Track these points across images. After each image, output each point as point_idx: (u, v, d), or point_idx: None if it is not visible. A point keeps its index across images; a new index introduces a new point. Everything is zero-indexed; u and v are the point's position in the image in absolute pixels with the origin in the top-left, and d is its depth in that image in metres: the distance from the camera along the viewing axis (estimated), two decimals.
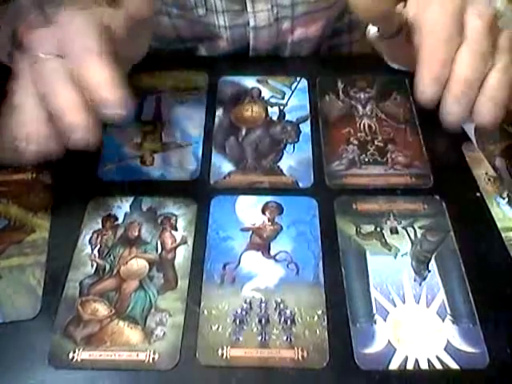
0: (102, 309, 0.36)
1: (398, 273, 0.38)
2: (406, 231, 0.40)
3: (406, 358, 0.33)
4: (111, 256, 0.39)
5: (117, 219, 0.41)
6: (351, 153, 0.46)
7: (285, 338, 0.34)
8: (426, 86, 0.38)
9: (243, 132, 0.48)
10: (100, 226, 0.41)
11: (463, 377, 0.33)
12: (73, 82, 0.34)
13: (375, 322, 0.35)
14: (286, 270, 0.38)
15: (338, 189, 0.43)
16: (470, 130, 0.47)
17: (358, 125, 0.48)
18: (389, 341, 0.34)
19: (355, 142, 0.47)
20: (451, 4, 0.38)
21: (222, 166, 0.45)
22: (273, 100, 0.51)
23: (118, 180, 0.44)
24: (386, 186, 0.43)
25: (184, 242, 0.40)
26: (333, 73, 0.53)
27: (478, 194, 0.43)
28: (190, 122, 0.48)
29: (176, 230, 0.40)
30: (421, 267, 0.38)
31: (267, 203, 0.42)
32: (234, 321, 0.35)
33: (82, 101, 0.34)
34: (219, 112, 0.49)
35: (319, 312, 0.36)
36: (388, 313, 0.36)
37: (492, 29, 0.37)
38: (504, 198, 0.42)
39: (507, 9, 0.42)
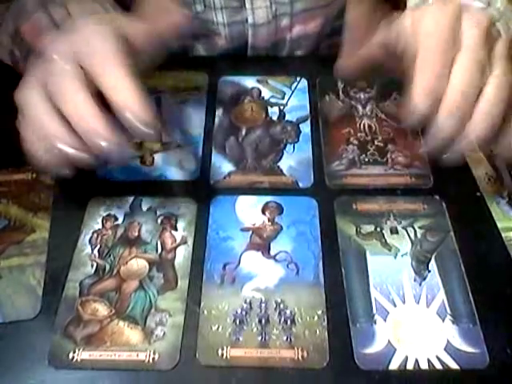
0: (102, 309, 0.36)
1: (398, 273, 0.38)
2: (406, 231, 0.40)
3: (406, 358, 0.33)
4: (111, 256, 0.39)
5: (117, 219, 0.41)
6: (351, 153, 0.46)
7: (285, 338, 0.34)
8: (420, 99, 0.35)
9: (243, 132, 0.48)
10: (100, 226, 0.41)
11: (463, 377, 0.33)
12: (91, 93, 0.34)
13: (375, 322, 0.35)
14: (286, 270, 0.38)
15: (337, 189, 0.43)
16: None
17: (357, 125, 0.48)
18: (389, 341, 0.34)
19: (355, 141, 0.47)
20: (446, 14, 0.37)
21: (222, 166, 0.45)
22: (273, 100, 0.51)
23: (118, 180, 0.44)
24: (386, 185, 0.43)
25: (184, 242, 0.40)
26: (333, 72, 0.53)
27: (478, 194, 0.43)
28: (190, 122, 0.48)
29: (176, 229, 0.40)
30: (421, 267, 0.38)
31: (267, 203, 0.42)
32: (234, 321, 0.35)
33: (103, 114, 0.34)
34: (219, 112, 0.49)
35: (319, 312, 0.36)
36: (388, 313, 0.36)
37: (488, 37, 0.36)
38: (504, 198, 0.42)
39: (507, 9, 0.42)
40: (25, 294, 0.37)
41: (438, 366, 0.33)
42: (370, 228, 0.41)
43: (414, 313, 0.36)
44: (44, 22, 0.42)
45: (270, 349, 0.34)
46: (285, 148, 0.46)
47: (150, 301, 0.36)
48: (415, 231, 0.40)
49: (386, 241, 0.40)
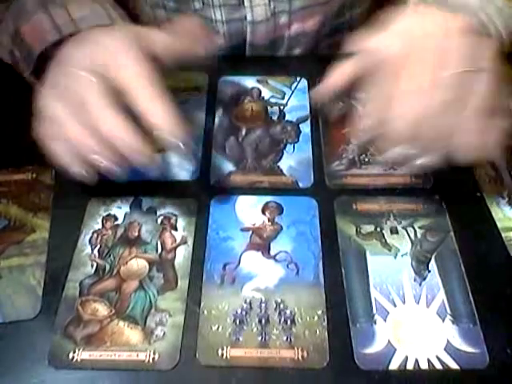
0: (102, 309, 0.36)
1: (398, 273, 0.38)
2: (406, 231, 0.40)
3: (406, 358, 0.33)
4: (111, 256, 0.39)
5: (117, 219, 0.41)
6: (351, 153, 0.46)
7: (285, 338, 0.34)
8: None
9: (243, 132, 0.48)
10: (100, 226, 0.41)
11: (463, 377, 0.33)
12: (118, 106, 0.35)
13: (375, 322, 0.35)
14: (286, 270, 0.38)
15: (337, 189, 0.43)
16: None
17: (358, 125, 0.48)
18: (389, 341, 0.34)
19: (355, 142, 0.46)
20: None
21: (222, 166, 0.45)
22: (273, 100, 0.51)
23: (118, 180, 0.44)
24: (386, 185, 0.43)
25: (184, 242, 0.40)
26: None
27: (478, 194, 0.43)
28: (190, 122, 0.48)
29: (176, 229, 0.40)
30: (421, 267, 0.38)
31: (267, 203, 0.42)
32: (234, 321, 0.35)
33: (131, 126, 0.35)
34: (219, 112, 0.49)
35: (319, 312, 0.36)
36: (388, 313, 0.36)
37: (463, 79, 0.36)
38: (504, 198, 0.42)
39: (505, 5, 0.42)
40: (25, 294, 0.37)
41: (438, 366, 0.33)
42: (370, 228, 0.41)
43: (413, 313, 0.36)
44: (44, 23, 0.42)
45: (269, 349, 0.34)
46: (285, 148, 0.46)
47: (150, 301, 0.36)
48: (415, 231, 0.40)
49: (386, 241, 0.40)
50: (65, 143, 0.37)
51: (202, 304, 0.36)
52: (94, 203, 0.42)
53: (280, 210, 0.42)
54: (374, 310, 0.36)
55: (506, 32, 0.40)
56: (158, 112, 0.35)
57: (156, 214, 0.41)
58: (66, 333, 0.35)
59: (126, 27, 0.41)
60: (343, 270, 0.38)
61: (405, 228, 0.41)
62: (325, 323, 0.35)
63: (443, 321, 0.35)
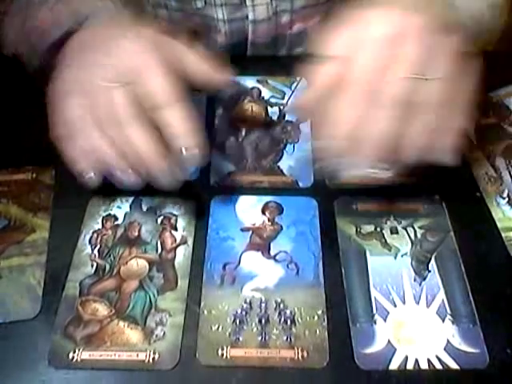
0: (102, 309, 0.36)
1: (398, 273, 0.38)
2: (406, 231, 0.40)
3: (406, 358, 0.33)
4: (111, 256, 0.39)
5: (117, 219, 0.41)
6: None
7: (285, 338, 0.34)
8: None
9: (243, 132, 0.48)
10: (100, 226, 0.41)
11: (463, 377, 0.33)
12: (144, 121, 0.36)
13: (375, 322, 0.35)
14: (286, 270, 0.38)
15: (337, 189, 0.43)
16: (470, 130, 0.47)
17: None
18: (389, 341, 0.34)
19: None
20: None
21: (222, 166, 0.45)
22: (273, 100, 0.51)
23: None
24: (386, 186, 0.43)
25: (184, 242, 0.40)
26: None
27: (478, 194, 0.43)
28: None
29: (176, 229, 0.40)
30: (421, 267, 0.38)
31: (267, 203, 0.42)
32: (234, 321, 0.35)
33: (157, 147, 0.36)
34: (219, 112, 0.49)
35: (319, 312, 0.36)
36: (388, 313, 0.36)
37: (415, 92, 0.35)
38: (504, 198, 0.42)
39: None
40: (25, 294, 0.37)
41: (438, 366, 0.33)
42: (370, 228, 0.41)
43: (413, 313, 0.36)
44: (49, 21, 0.42)
45: (269, 349, 0.34)
46: (285, 148, 0.46)
47: (150, 301, 0.36)
48: (415, 231, 0.40)
49: (386, 241, 0.40)
50: (83, 148, 0.37)
51: (202, 304, 0.36)
52: (94, 203, 0.42)
53: (280, 210, 0.42)
54: (374, 310, 0.36)
55: (476, 27, 0.40)
56: (184, 132, 0.36)
57: (156, 214, 0.41)
58: (66, 333, 0.35)
59: (141, 28, 0.40)
60: (343, 270, 0.38)
61: (405, 228, 0.41)
62: (325, 323, 0.35)
63: (443, 321, 0.35)
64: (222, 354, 0.34)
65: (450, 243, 0.40)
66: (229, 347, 0.34)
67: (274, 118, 0.49)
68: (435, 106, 0.35)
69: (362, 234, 0.40)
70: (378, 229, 0.40)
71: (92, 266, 0.38)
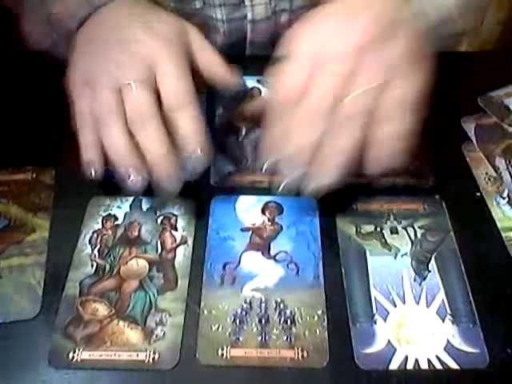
0: (102, 309, 0.36)
1: (398, 273, 0.38)
2: (406, 231, 0.40)
3: (406, 358, 0.33)
4: (111, 256, 0.39)
5: (117, 219, 0.41)
6: None
7: (285, 338, 0.34)
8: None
9: (243, 132, 0.48)
10: (100, 226, 0.41)
11: (463, 377, 0.33)
12: (156, 121, 0.36)
13: (375, 322, 0.35)
14: (286, 270, 0.38)
15: (337, 189, 0.43)
16: (470, 130, 0.47)
17: None
18: (389, 341, 0.34)
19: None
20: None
21: (222, 166, 0.45)
22: None
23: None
24: (386, 185, 0.43)
25: (184, 242, 0.40)
26: None
27: (478, 194, 0.43)
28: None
29: (176, 230, 0.40)
30: (421, 267, 0.38)
31: (267, 203, 0.42)
32: (234, 321, 0.35)
33: (170, 147, 0.36)
34: (219, 112, 0.49)
35: (319, 312, 0.36)
36: (388, 313, 0.36)
37: (332, 94, 0.36)
38: (504, 198, 0.42)
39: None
40: (25, 294, 0.37)
41: (438, 366, 0.33)
42: (370, 228, 0.41)
43: (413, 313, 0.36)
44: (65, 14, 0.42)
45: (269, 349, 0.34)
46: None
47: (150, 301, 0.36)
48: (415, 231, 0.40)
49: (386, 241, 0.40)
50: (92, 140, 0.37)
51: (202, 304, 0.36)
52: (94, 203, 0.42)
53: (280, 209, 0.42)
54: (374, 310, 0.36)
55: (439, 19, 0.41)
56: (194, 135, 0.37)
57: (156, 213, 0.41)
58: (66, 333, 0.35)
59: (161, 14, 0.41)
60: (343, 270, 0.38)
61: (405, 228, 0.41)
62: (325, 323, 0.35)
63: (443, 321, 0.35)
64: (222, 354, 0.34)
65: (450, 243, 0.40)
66: (229, 347, 0.34)
67: None
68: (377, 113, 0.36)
69: (362, 234, 0.40)
70: (378, 229, 0.40)
71: (92, 266, 0.38)
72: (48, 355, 0.34)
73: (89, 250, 0.39)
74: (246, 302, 0.36)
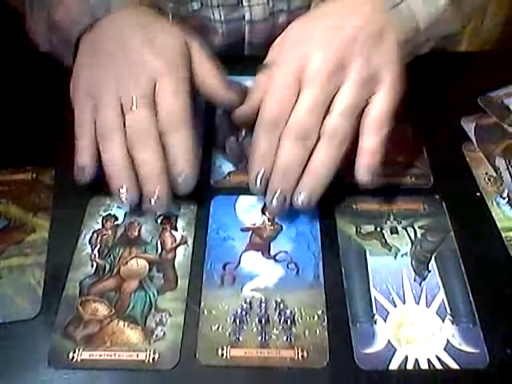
0: (102, 309, 0.36)
1: (398, 273, 0.38)
2: (406, 231, 0.40)
3: (406, 358, 0.33)
4: (111, 256, 0.39)
5: (117, 219, 0.41)
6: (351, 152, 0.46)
7: (285, 338, 0.34)
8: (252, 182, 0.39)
9: (243, 132, 0.48)
10: (100, 226, 0.41)
11: (463, 377, 0.33)
12: (159, 142, 0.38)
13: (375, 322, 0.35)
14: (286, 270, 0.38)
15: (337, 189, 0.43)
16: (470, 130, 0.47)
17: None
18: (389, 341, 0.34)
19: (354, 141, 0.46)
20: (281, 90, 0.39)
21: (222, 166, 0.45)
22: None
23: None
24: (386, 185, 0.43)
25: (184, 242, 0.40)
26: None
27: (478, 194, 0.43)
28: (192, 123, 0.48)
29: (176, 230, 0.40)
30: (421, 267, 0.38)
31: None
32: (234, 321, 0.35)
33: (163, 168, 0.38)
34: (219, 112, 0.49)
35: (319, 312, 0.36)
36: (388, 313, 0.36)
37: (317, 107, 0.38)
38: (504, 198, 0.42)
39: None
40: (25, 294, 0.37)
41: (438, 366, 0.33)
42: (370, 228, 0.41)
43: (413, 313, 0.36)
44: (76, 8, 0.42)
45: (270, 349, 0.34)
46: None
47: (150, 301, 0.36)
48: (415, 231, 0.40)
49: (386, 241, 0.40)
50: (92, 150, 0.39)
51: (202, 304, 0.36)
52: (94, 203, 0.42)
53: None
54: (374, 310, 0.36)
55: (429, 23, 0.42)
56: (183, 159, 0.38)
57: (156, 214, 0.41)
58: (66, 333, 0.35)
59: (168, 32, 0.42)
60: (343, 270, 0.38)
61: (405, 228, 0.41)
62: (325, 323, 0.35)
63: (443, 321, 0.35)
64: (222, 354, 0.34)
65: (450, 243, 0.40)
66: (229, 347, 0.34)
67: None
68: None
69: (362, 234, 0.40)
70: (378, 229, 0.40)
71: (92, 265, 0.38)
72: (48, 355, 0.34)
73: (89, 250, 0.39)
74: (246, 302, 0.36)
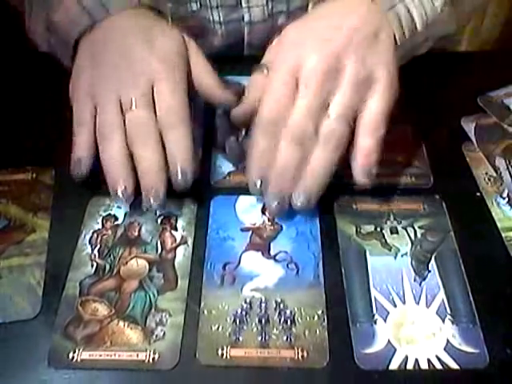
0: (102, 309, 0.36)
1: (398, 273, 0.38)
2: (406, 231, 0.40)
3: (406, 358, 0.33)
4: (111, 256, 0.39)
5: (117, 219, 0.41)
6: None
7: (285, 338, 0.34)
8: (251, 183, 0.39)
9: (243, 132, 0.48)
10: (100, 226, 0.41)
11: (463, 377, 0.33)
12: (158, 142, 0.39)
13: (375, 322, 0.35)
14: (286, 270, 0.38)
15: (337, 189, 0.43)
16: (470, 130, 0.47)
17: None
18: (389, 341, 0.34)
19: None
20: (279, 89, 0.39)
21: (222, 166, 0.45)
22: None
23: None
24: (386, 185, 0.43)
25: (184, 242, 0.40)
26: None
27: (478, 194, 0.43)
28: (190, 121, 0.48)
29: (176, 230, 0.40)
30: (421, 267, 0.38)
31: None
32: (234, 321, 0.35)
33: (162, 164, 0.38)
34: (219, 112, 0.49)
35: (319, 312, 0.36)
36: (388, 313, 0.36)
37: (313, 109, 0.38)
38: (504, 198, 0.42)
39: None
40: (25, 294, 0.37)
41: (438, 366, 0.33)
42: (370, 228, 0.41)
43: (413, 313, 0.36)
44: (75, 10, 0.42)
45: (270, 349, 0.34)
46: None
47: (150, 301, 0.36)
48: (415, 231, 0.40)
49: (386, 241, 0.40)
50: (90, 144, 0.39)
51: (202, 304, 0.36)
52: (94, 203, 0.42)
53: None
54: (374, 310, 0.36)
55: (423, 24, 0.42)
56: (180, 156, 0.38)
57: (156, 213, 0.41)
58: (66, 333, 0.35)
59: (168, 35, 0.42)
60: (343, 270, 0.38)
61: (405, 228, 0.41)
62: (325, 323, 0.35)
63: (443, 321, 0.35)
64: (222, 354, 0.34)
65: (450, 243, 0.40)
66: (229, 347, 0.34)
67: None
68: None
69: (362, 234, 0.40)
70: (378, 229, 0.40)
71: (92, 265, 0.38)
72: (48, 355, 0.34)
73: (89, 250, 0.39)
74: (246, 302, 0.36)
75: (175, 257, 0.39)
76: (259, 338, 0.34)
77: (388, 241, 0.40)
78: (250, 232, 0.40)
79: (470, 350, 0.34)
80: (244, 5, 0.52)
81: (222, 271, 0.38)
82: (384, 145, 0.46)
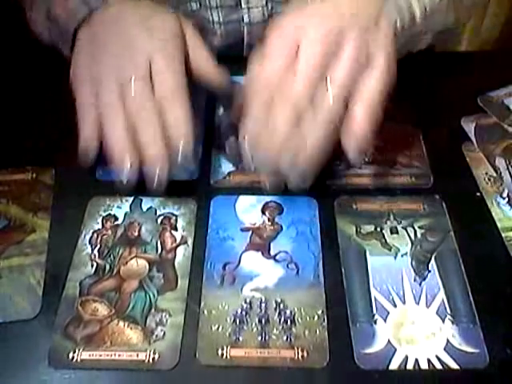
0: (102, 309, 0.36)
1: (398, 273, 0.38)
2: (406, 231, 0.40)
3: (406, 358, 0.33)
4: (111, 256, 0.39)
5: (117, 219, 0.41)
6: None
7: (285, 338, 0.34)
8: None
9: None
10: (100, 226, 0.41)
11: (463, 377, 0.33)
12: (157, 113, 0.39)
13: (375, 322, 0.35)
14: (286, 270, 0.38)
15: (337, 189, 0.43)
16: (470, 130, 0.47)
17: None
18: (389, 341, 0.34)
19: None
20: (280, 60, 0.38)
21: (222, 166, 0.45)
22: None
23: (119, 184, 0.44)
24: (386, 186, 0.43)
25: (184, 242, 0.40)
26: None
27: (478, 194, 0.43)
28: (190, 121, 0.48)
29: (176, 229, 0.40)
30: (421, 267, 0.38)
31: (267, 203, 0.42)
32: (234, 321, 0.35)
33: (163, 137, 0.38)
34: (219, 112, 0.49)
35: (319, 312, 0.36)
36: (388, 313, 0.36)
37: (311, 80, 0.37)
38: (504, 198, 0.42)
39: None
40: (25, 294, 0.37)
41: (438, 366, 0.33)
42: (370, 228, 0.41)
43: (413, 313, 0.36)
44: (64, 14, 0.43)
45: (270, 349, 0.34)
46: None
47: (150, 301, 0.36)
48: (415, 231, 0.40)
49: (386, 241, 0.40)
50: (95, 125, 0.39)
51: (201, 304, 0.36)
52: (94, 203, 0.42)
53: (280, 209, 0.42)
54: (374, 310, 0.36)
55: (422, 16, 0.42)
56: (180, 127, 0.39)
57: (156, 214, 0.41)
58: (66, 333, 0.35)
59: (166, 19, 0.43)
60: (343, 270, 0.38)
61: (405, 228, 0.41)
62: (325, 323, 0.35)
63: (443, 321, 0.35)
64: (222, 354, 0.34)
65: (450, 243, 0.40)
66: (229, 347, 0.34)
67: None
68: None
69: (362, 234, 0.40)
70: (378, 229, 0.40)
71: (92, 265, 0.38)
72: (48, 355, 0.34)
73: (89, 249, 0.39)
74: (246, 302, 0.36)
75: (175, 257, 0.39)
76: (259, 338, 0.34)
77: (388, 241, 0.40)
78: (250, 232, 0.40)
79: (470, 349, 0.34)
80: (244, 5, 0.52)
81: (222, 271, 0.38)
82: (384, 145, 0.46)
